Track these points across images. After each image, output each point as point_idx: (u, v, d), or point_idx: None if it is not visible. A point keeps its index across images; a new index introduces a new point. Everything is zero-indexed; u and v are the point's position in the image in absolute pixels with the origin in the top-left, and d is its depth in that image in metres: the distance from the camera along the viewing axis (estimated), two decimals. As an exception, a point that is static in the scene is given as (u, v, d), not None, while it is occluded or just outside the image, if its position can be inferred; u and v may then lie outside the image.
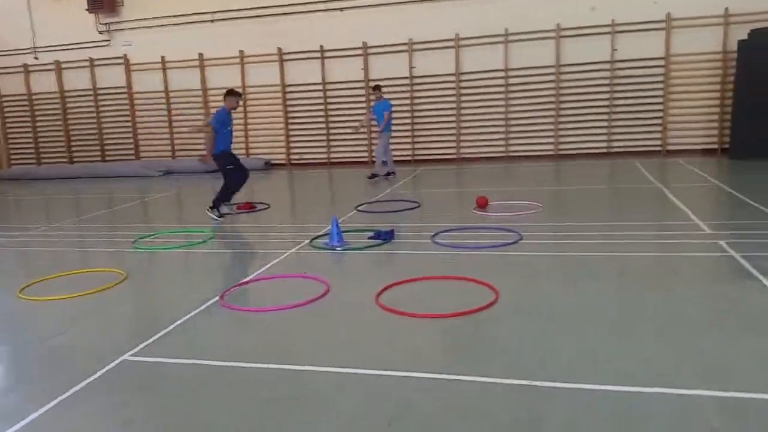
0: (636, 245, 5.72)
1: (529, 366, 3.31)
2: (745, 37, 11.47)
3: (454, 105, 13.95)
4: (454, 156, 14.15)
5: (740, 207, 7.34)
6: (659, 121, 12.94)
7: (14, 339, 4.31)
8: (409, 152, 14.33)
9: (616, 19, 12.68)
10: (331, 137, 14.82)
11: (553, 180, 10.97)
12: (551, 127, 13.53)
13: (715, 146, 12.71)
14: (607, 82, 13.02)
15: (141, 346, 3.89)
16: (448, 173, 12.57)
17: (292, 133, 15.13)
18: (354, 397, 3.10)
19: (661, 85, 12.75)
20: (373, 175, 11.69)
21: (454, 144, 14.14)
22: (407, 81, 14.01)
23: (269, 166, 15.03)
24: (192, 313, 4.47)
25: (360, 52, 14.17)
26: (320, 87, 14.57)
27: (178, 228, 7.94)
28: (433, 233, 6.61)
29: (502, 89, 13.60)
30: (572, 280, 4.84)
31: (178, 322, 4.30)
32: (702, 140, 12.86)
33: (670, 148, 12.93)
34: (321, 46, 14.42)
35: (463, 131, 14.03)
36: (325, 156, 14.98)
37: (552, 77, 13.24)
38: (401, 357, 3.56)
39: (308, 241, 6.65)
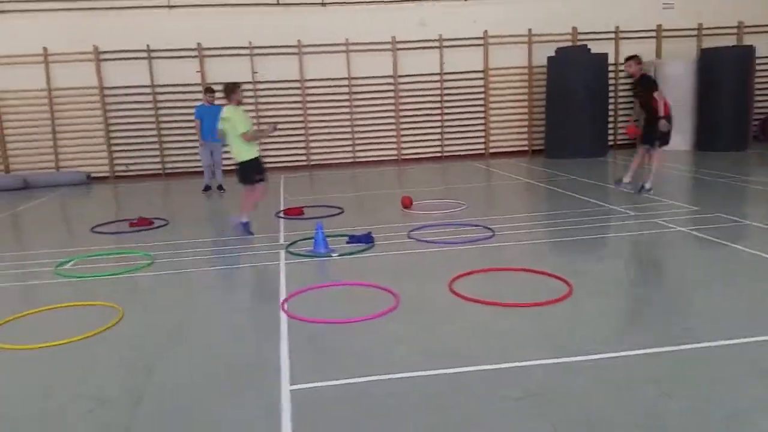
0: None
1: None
2: (553, 53, 13.66)
3: (300, 112, 13.87)
4: (305, 163, 14.09)
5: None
6: (482, 127, 14.63)
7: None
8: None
9: (444, 35, 14.02)
10: (165, 146, 13.52)
11: (438, 180, 11.66)
12: (393, 133, 14.32)
13: (526, 148, 14.85)
14: (438, 92, 14.27)
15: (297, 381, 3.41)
16: (305, 179, 12.50)
17: (114, 142, 13.41)
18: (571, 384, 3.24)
19: (482, 95, 14.45)
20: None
21: (304, 150, 14.09)
22: (251, 87, 13.51)
23: (90, 179, 13.09)
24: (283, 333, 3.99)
25: (195, 53, 13.24)
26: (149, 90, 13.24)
27: (102, 250, 6.65)
28: (406, 232, 6.76)
29: (346, 96, 13.96)
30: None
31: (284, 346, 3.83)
32: (516, 143, 14.88)
33: (492, 150, 14.71)
34: (147, 45, 13.10)
35: (312, 138, 14.05)
36: (159, 167, 13.60)
37: (391, 86, 14.03)
38: (530, 344, 3.76)
39: (283, 250, 6.24)
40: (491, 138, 14.69)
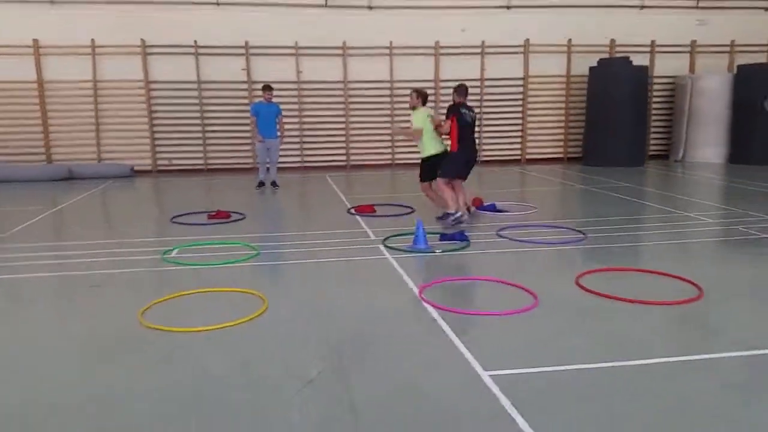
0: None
1: None
2: (594, 64, 13.87)
3: (342, 113, 13.96)
4: (344, 163, 14.16)
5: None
6: (519, 133, 14.80)
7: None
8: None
9: (486, 42, 14.19)
10: (208, 142, 13.55)
11: (490, 184, 11.76)
12: (343, 138, 14.17)
13: (561, 155, 15.04)
14: (477, 97, 14.40)
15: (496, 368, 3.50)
16: (352, 179, 12.59)
17: (158, 136, 13.42)
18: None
19: (520, 102, 14.62)
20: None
21: (344, 151, 14.17)
22: (296, 86, 13.57)
23: (133, 172, 13.09)
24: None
25: (242, 51, 13.30)
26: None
27: (194, 240, 6.70)
28: (496, 230, 6.88)
29: (388, 99, 14.08)
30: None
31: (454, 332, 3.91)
32: (551, 150, 15.07)
33: (528, 156, 14.88)
34: (195, 41, 13.13)
35: (352, 139, 14.13)
36: (201, 162, 13.62)
37: (432, 91, 14.17)
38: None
39: (380, 245, 6.32)
40: (528, 144, 14.87)
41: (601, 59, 13.90)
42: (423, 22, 13.91)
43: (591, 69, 13.87)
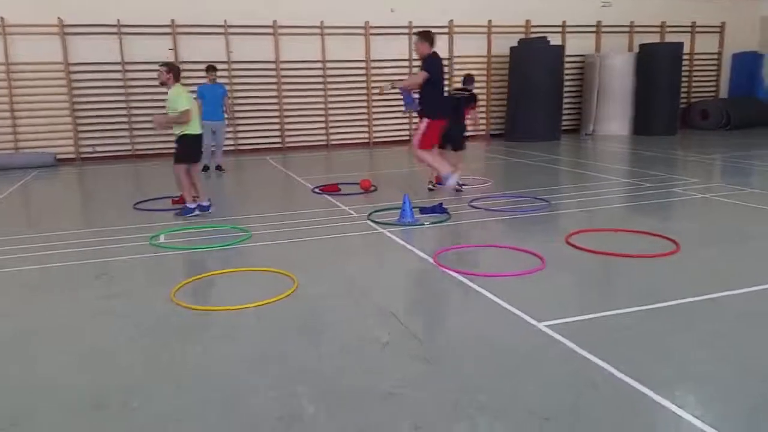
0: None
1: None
2: (514, 44, 14.62)
3: (275, 93, 13.84)
4: (279, 145, 14.05)
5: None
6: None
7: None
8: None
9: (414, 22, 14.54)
10: (135, 126, 12.96)
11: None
12: (277, 120, 14.15)
13: (484, 132, 15.79)
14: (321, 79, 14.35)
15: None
16: (296, 160, 12.59)
17: (81, 122, 12.65)
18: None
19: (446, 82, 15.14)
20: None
21: (279, 132, 14.05)
22: (226, 66, 13.26)
23: (57, 161, 12.28)
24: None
25: (168, 30, 12.78)
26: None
27: (164, 227, 6.54)
28: (467, 202, 7.30)
29: (321, 80, 14.10)
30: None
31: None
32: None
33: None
34: (118, 20, 12.46)
35: (287, 120, 14.05)
36: (128, 148, 13.01)
37: (363, 71, 14.35)
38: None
39: (366, 220, 6.55)
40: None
41: (521, 39, 14.71)
42: (354, 2, 14.02)
43: (512, 49, 14.64)
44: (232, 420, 2.75)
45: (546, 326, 3.65)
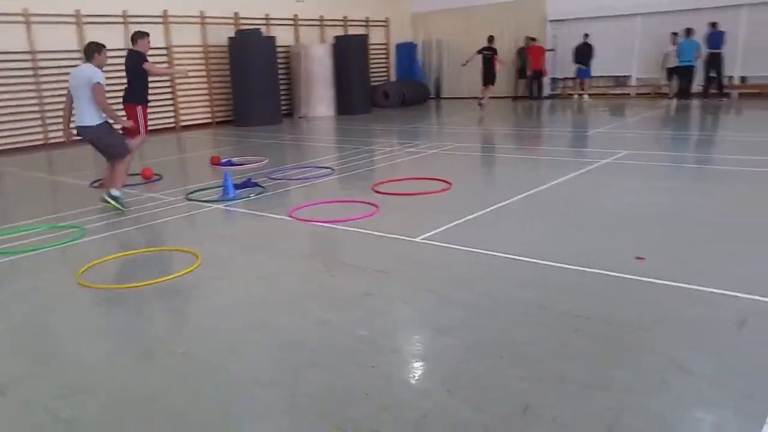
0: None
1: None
2: (232, 35, 15.53)
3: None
4: None
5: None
6: (171, 101, 15.49)
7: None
8: None
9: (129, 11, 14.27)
10: None
11: (193, 148, 12.23)
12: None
13: (210, 120, 16.39)
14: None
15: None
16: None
17: None
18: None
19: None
20: None
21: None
22: None
23: None
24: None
25: None
26: None
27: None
28: (266, 176, 8.34)
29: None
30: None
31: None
32: (202, 116, 16.25)
33: (183, 123, 15.76)
34: None
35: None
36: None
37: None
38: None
39: (186, 202, 7.17)
40: (180, 112, 15.73)
41: (238, 30, 15.72)
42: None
43: (230, 39, 15.56)
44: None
45: (421, 239, 5.21)
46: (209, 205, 7.00)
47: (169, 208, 6.98)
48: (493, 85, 17.19)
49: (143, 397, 2.98)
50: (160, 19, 14.90)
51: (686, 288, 3.89)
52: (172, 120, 15.62)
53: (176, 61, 15.34)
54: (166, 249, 5.42)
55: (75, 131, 6.88)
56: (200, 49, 15.93)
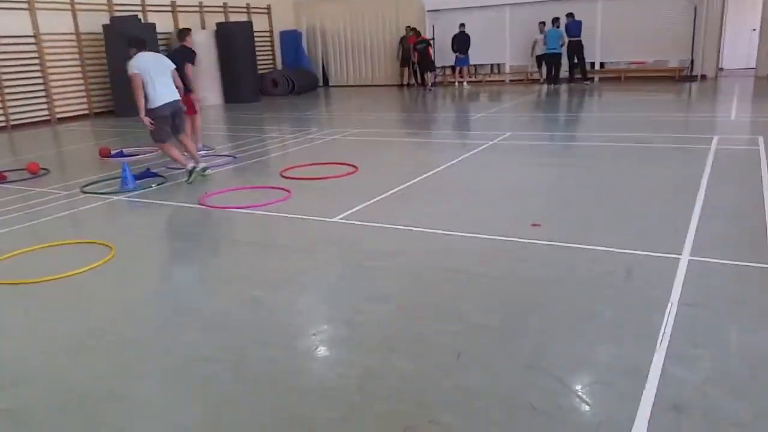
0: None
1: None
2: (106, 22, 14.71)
3: None
4: None
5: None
6: (44, 93, 14.44)
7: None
8: None
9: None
10: None
11: (76, 140, 11.46)
12: None
13: (87, 111, 15.47)
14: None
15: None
16: None
17: None
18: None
19: (37, 61, 14.22)
20: None
21: None
22: None
23: None
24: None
25: None
26: None
27: None
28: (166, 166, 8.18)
29: None
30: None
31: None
32: (78, 107, 15.29)
33: (59, 116, 14.75)
34: None
35: None
36: None
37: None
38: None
39: (81, 195, 6.93)
40: (55, 104, 14.72)
41: (114, 17, 14.92)
42: None
43: (105, 27, 14.75)
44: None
45: (339, 219, 5.47)
46: (109, 197, 6.81)
47: (66, 201, 6.72)
48: (432, 72, 18.86)
49: (82, 383, 3.03)
50: (24, 4, 13.84)
51: (580, 248, 4.47)
52: (46, 112, 14.60)
53: (46, 51, 14.33)
54: (74, 242, 5.25)
55: None
56: (72, 37, 14.98)
